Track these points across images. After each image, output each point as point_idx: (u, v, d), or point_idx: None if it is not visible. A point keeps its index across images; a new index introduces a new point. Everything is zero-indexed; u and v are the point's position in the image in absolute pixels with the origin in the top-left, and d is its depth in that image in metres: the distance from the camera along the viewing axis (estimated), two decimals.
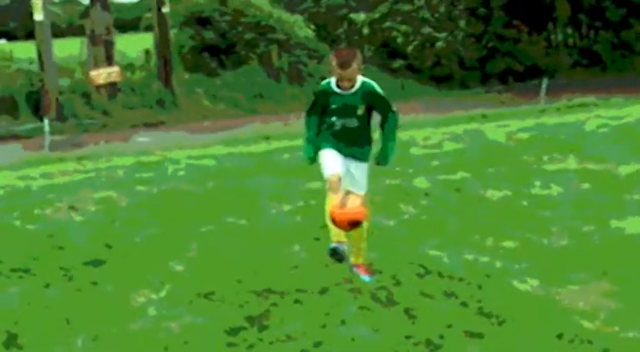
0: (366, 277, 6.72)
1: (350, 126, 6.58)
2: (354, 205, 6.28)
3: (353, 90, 6.50)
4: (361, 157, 6.69)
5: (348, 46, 6.65)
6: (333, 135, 6.67)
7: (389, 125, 6.64)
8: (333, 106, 6.57)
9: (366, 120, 6.61)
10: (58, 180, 12.04)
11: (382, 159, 6.75)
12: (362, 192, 6.70)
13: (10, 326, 6.02)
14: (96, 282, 6.96)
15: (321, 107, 6.68)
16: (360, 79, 6.52)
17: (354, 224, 6.31)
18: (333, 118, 6.59)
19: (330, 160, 6.56)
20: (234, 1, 27.28)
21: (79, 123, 21.26)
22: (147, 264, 7.42)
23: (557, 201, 9.39)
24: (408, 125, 17.88)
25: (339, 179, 6.46)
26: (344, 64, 6.33)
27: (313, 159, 6.84)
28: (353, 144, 6.64)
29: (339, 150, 6.64)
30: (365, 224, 6.73)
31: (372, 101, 6.53)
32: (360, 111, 6.52)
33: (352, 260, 6.86)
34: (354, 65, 6.36)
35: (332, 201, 6.36)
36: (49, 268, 7.37)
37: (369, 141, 6.71)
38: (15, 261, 7.55)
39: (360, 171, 6.71)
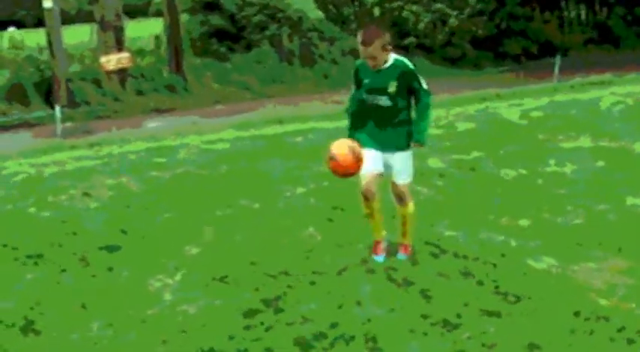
0: (402, 255, 6.82)
1: (381, 105, 6.54)
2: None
3: (384, 67, 6.48)
4: (398, 145, 6.65)
5: (376, 26, 6.62)
6: (366, 116, 6.70)
7: (421, 104, 6.57)
8: (365, 81, 6.59)
9: (402, 100, 6.54)
10: (70, 166, 12.06)
11: (417, 139, 6.66)
12: (407, 181, 6.75)
13: (27, 312, 6.04)
14: (111, 268, 6.98)
15: (357, 82, 6.71)
16: (392, 56, 6.50)
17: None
18: (364, 95, 6.61)
19: (368, 160, 6.58)
20: None
21: (90, 109, 21.26)
22: (162, 248, 7.44)
23: (572, 179, 9.36)
24: None
25: (374, 185, 6.62)
26: (365, 41, 6.36)
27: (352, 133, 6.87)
28: (386, 125, 6.60)
29: (375, 140, 6.66)
30: (412, 208, 6.82)
31: (404, 78, 6.46)
32: (392, 89, 6.46)
33: (399, 239, 6.94)
34: (377, 43, 6.34)
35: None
36: (64, 254, 7.40)
37: (405, 124, 6.63)
38: (30, 248, 7.59)
39: (399, 160, 6.66)
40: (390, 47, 6.48)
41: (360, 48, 6.41)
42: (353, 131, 6.83)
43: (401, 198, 6.75)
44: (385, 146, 6.64)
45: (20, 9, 56.74)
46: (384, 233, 6.97)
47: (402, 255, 6.82)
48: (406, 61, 6.55)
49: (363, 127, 6.72)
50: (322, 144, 12.29)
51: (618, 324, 5.38)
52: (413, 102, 6.62)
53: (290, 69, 25.54)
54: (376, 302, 5.91)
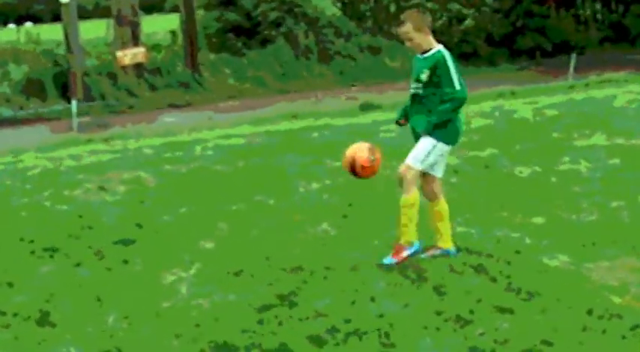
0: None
1: (417, 93, 6.62)
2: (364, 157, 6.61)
3: (426, 55, 6.54)
4: (419, 128, 6.64)
5: (415, 9, 6.62)
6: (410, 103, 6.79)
7: (443, 100, 6.45)
8: (413, 69, 6.71)
9: (433, 90, 6.51)
10: (86, 160, 12.12)
11: (416, 124, 6.68)
12: (407, 162, 6.60)
13: (43, 305, 6.09)
14: (126, 261, 7.03)
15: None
16: (437, 47, 6.54)
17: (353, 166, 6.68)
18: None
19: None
20: None
21: (106, 104, 21.35)
22: (177, 242, 7.48)
23: (587, 176, 9.35)
24: None
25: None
26: (399, 21, 6.56)
27: (398, 122, 7.06)
28: (417, 112, 6.66)
29: (412, 128, 6.80)
30: (403, 200, 6.62)
31: (436, 70, 6.44)
32: (423, 77, 6.50)
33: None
34: (409, 23, 6.48)
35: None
36: (79, 247, 7.45)
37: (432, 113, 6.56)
38: (46, 241, 7.64)
39: (417, 143, 6.65)
40: (427, 29, 6.53)
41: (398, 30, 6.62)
42: (402, 113, 6.99)
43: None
44: (416, 134, 6.70)
45: (37, 3, 56.94)
46: (440, 242, 6.89)
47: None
48: (446, 54, 6.48)
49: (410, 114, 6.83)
50: (338, 141, 12.34)
51: (631, 322, 5.37)
52: None
53: (306, 65, 25.54)
54: (390, 297, 5.93)
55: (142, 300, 6.11)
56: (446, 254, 6.78)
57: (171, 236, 7.71)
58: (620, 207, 8.05)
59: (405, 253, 6.68)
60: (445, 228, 6.86)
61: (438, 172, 6.78)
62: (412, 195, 6.60)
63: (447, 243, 6.85)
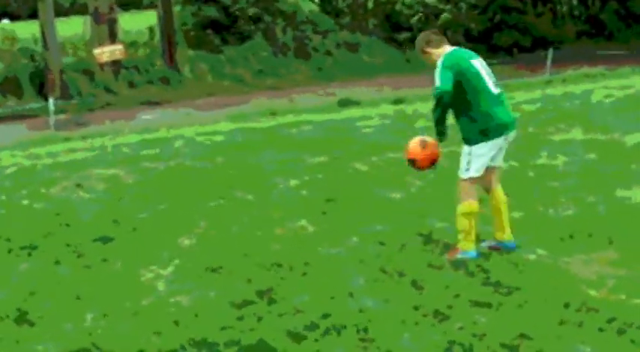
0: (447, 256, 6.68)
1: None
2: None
3: None
4: (462, 137, 6.70)
5: (429, 30, 6.65)
6: None
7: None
8: None
9: (455, 97, 6.53)
10: (64, 158, 12.07)
11: None
12: (460, 176, 6.70)
13: (21, 303, 6.06)
14: (105, 259, 7.01)
15: None
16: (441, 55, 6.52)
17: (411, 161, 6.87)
18: None
19: None
20: None
21: (84, 101, 21.27)
22: (155, 239, 7.46)
23: (564, 171, 9.40)
24: (413, 98, 17.89)
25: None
26: (425, 51, 6.67)
27: None
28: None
29: None
30: (459, 208, 6.69)
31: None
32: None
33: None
34: (422, 49, 6.64)
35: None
36: (58, 245, 7.41)
37: (462, 118, 6.68)
38: (24, 239, 7.60)
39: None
40: (427, 49, 6.62)
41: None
42: None
43: None
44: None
45: (13, 1, 56.52)
46: (497, 234, 6.89)
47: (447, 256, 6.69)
48: (440, 60, 6.46)
49: None
50: (316, 137, 12.35)
51: (608, 315, 5.41)
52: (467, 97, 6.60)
53: (284, 61, 25.55)
54: (368, 293, 5.95)
55: (121, 298, 6.10)
56: (502, 246, 6.78)
57: (150, 233, 7.70)
58: (596, 201, 8.10)
59: (459, 256, 6.61)
60: (500, 220, 6.84)
61: (497, 162, 6.80)
62: (464, 205, 6.65)
63: (503, 235, 6.83)
